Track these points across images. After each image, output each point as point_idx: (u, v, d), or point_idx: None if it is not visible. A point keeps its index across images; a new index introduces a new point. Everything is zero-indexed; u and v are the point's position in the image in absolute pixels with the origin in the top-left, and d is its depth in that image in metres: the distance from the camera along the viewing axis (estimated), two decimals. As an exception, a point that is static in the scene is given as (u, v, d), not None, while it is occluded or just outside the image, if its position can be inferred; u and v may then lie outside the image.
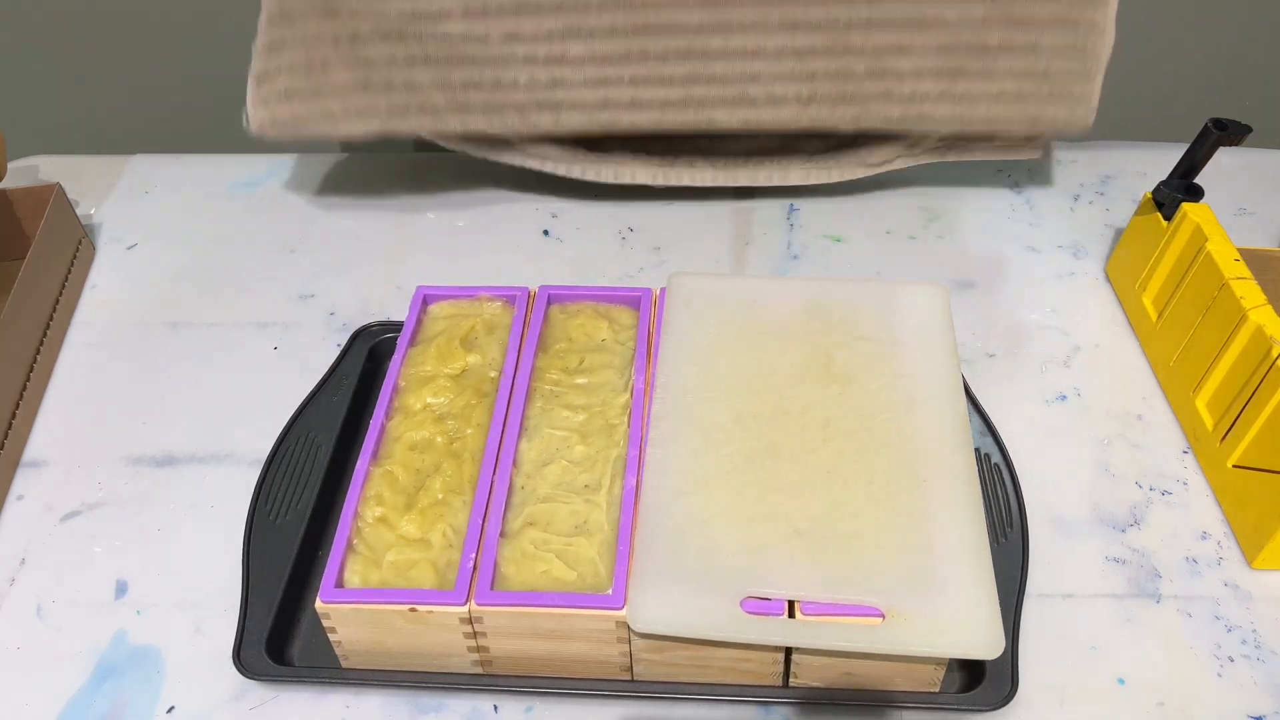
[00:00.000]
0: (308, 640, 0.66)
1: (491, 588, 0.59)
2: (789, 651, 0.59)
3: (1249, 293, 0.70)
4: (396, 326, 0.82)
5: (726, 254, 0.92)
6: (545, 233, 0.95)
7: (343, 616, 0.59)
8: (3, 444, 0.75)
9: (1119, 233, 0.92)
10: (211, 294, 0.90)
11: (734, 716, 0.62)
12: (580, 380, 0.71)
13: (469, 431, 0.68)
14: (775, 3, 0.83)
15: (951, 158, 0.93)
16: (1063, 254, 0.92)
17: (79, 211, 0.95)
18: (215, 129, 1.62)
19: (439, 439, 0.68)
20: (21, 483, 0.76)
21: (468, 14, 0.84)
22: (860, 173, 0.94)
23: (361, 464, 0.66)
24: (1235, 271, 0.72)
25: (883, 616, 0.56)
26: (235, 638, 0.63)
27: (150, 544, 0.72)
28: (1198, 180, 0.80)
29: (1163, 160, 0.91)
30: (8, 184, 0.91)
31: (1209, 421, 0.73)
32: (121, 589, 0.69)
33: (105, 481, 0.76)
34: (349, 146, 1.15)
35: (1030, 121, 0.88)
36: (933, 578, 0.57)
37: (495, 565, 0.60)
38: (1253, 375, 0.68)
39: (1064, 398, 0.79)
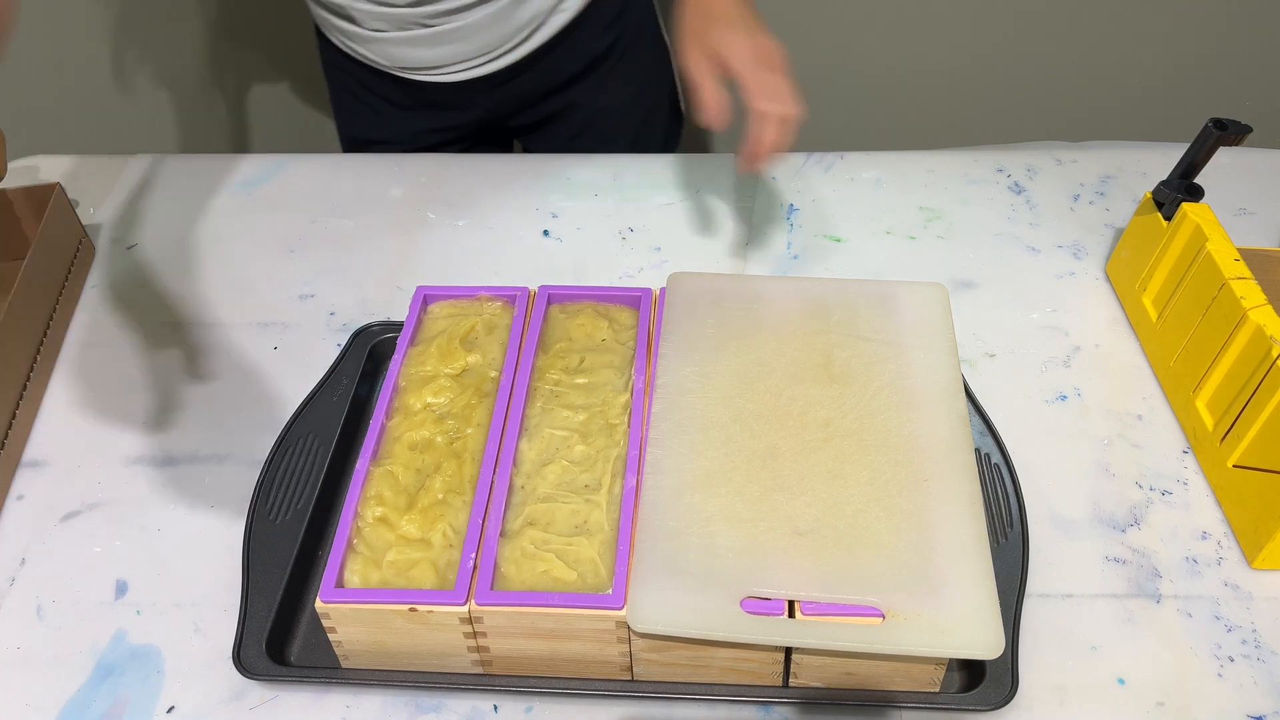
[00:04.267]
0: (308, 640, 0.66)
1: (491, 588, 0.59)
2: (789, 651, 0.59)
3: (1249, 293, 0.70)
4: (396, 326, 0.82)
5: (726, 254, 0.92)
6: (545, 233, 0.95)
7: (343, 616, 0.59)
8: (3, 444, 0.75)
9: (1119, 233, 0.92)
10: (211, 294, 0.90)
11: (734, 716, 0.62)
12: (580, 380, 0.71)
13: (469, 431, 0.68)
14: None
15: None
16: (1063, 254, 0.92)
17: (79, 211, 0.95)
18: (215, 129, 1.62)
19: (439, 439, 0.68)
20: (21, 483, 0.76)
21: None
22: None
23: (361, 464, 0.66)
24: (1235, 271, 0.72)
25: (883, 616, 0.56)
26: (235, 638, 0.63)
27: (150, 544, 0.72)
28: (1198, 180, 0.80)
29: (1163, 160, 0.91)
30: (8, 184, 0.91)
31: (1209, 421, 0.73)
32: (121, 589, 0.69)
33: (105, 481, 0.76)
34: (350, 146, 1.16)
35: None
36: (932, 578, 0.57)
37: (495, 565, 0.60)
38: (1253, 375, 0.68)
39: (1064, 398, 0.79)
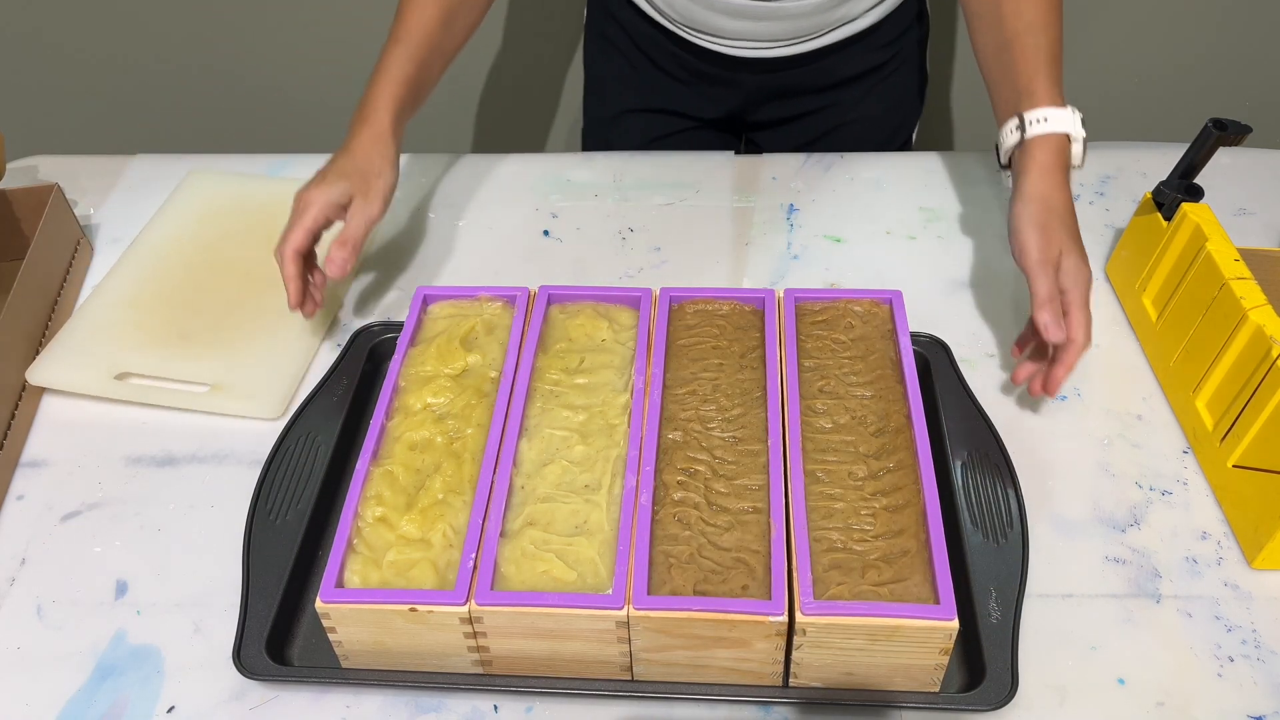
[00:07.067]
0: (308, 640, 0.66)
1: (491, 588, 0.59)
2: (789, 652, 0.59)
3: (1249, 293, 0.70)
4: (396, 326, 0.82)
5: (726, 254, 0.92)
6: (545, 233, 0.95)
7: (343, 616, 0.59)
8: (3, 444, 0.75)
9: (1119, 233, 0.92)
10: (211, 294, 0.90)
11: (734, 716, 0.62)
12: (580, 380, 0.71)
13: (469, 431, 0.68)
14: None
15: None
16: (1063, 254, 0.91)
17: (78, 211, 0.95)
18: (215, 129, 1.62)
19: (439, 439, 0.68)
20: (21, 483, 0.76)
21: None
22: None
23: (361, 464, 0.66)
24: (1235, 271, 0.72)
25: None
26: (235, 638, 0.63)
27: (150, 544, 0.72)
28: (1198, 180, 0.80)
29: (1163, 160, 0.91)
30: (8, 184, 0.91)
31: (1209, 421, 0.73)
32: (121, 589, 0.69)
33: (105, 481, 0.76)
34: (594, 126, 1.16)
35: None
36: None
37: (495, 565, 0.60)
38: (1253, 375, 0.68)
39: (1064, 398, 0.79)
